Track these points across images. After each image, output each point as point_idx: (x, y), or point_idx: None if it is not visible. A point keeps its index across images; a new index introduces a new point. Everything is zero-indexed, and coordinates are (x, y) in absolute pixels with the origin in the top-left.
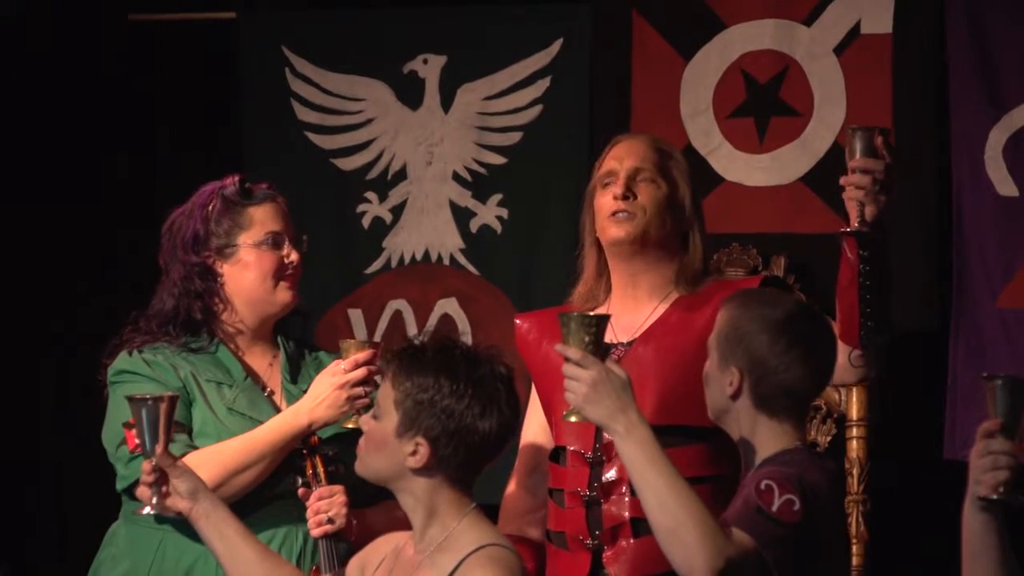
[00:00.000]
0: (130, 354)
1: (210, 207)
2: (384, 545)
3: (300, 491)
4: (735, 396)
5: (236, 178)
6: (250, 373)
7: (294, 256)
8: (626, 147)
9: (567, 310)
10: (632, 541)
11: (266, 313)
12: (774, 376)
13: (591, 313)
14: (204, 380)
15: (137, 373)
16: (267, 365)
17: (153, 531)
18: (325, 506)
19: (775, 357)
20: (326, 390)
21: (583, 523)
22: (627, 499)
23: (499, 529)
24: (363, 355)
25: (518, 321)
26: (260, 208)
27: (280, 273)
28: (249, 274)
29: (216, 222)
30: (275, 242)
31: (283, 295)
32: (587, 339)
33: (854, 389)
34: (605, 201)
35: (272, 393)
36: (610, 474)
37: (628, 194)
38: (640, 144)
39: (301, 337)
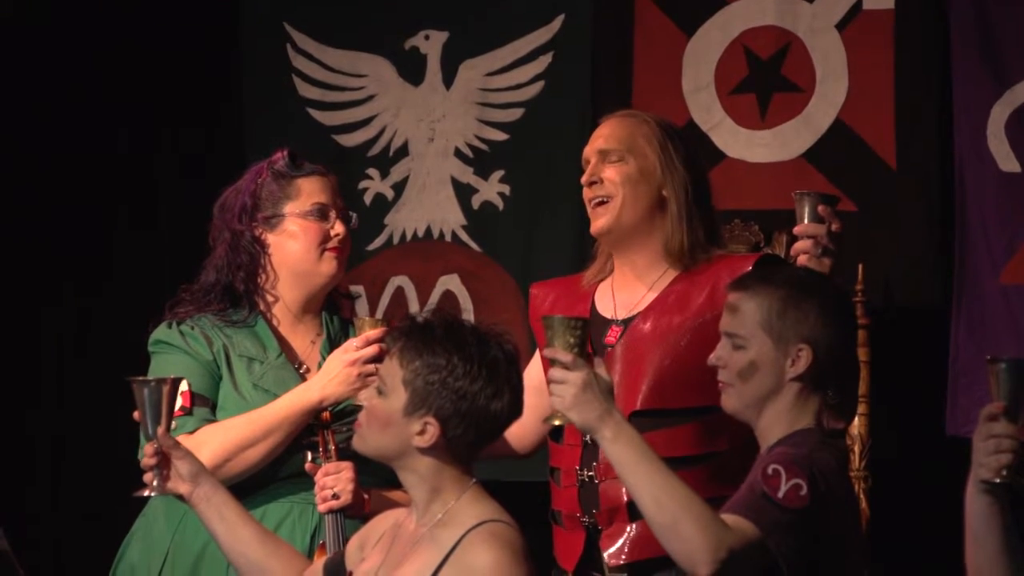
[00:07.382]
0: (169, 326)
1: (260, 179)
2: (384, 521)
3: (307, 466)
4: (802, 375)
5: (285, 151)
6: (287, 350)
7: (339, 228)
8: (598, 130)
9: (549, 312)
10: (629, 524)
11: (312, 285)
12: (831, 346)
13: (574, 316)
14: (236, 355)
15: (171, 344)
16: (309, 343)
17: (181, 505)
18: (331, 481)
19: (831, 327)
20: (338, 367)
21: (576, 502)
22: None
23: None
24: (375, 333)
25: (534, 291)
26: (308, 180)
27: (325, 244)
28: (294, 244)
29: (265, 192)
30: (321, 213)
31: (327, 265)
32: (572, 341)
33: None
34: (585, 191)
35: (307, 371)
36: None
37: (594, 179)
38: (609, 124)
39: (349, 319)
